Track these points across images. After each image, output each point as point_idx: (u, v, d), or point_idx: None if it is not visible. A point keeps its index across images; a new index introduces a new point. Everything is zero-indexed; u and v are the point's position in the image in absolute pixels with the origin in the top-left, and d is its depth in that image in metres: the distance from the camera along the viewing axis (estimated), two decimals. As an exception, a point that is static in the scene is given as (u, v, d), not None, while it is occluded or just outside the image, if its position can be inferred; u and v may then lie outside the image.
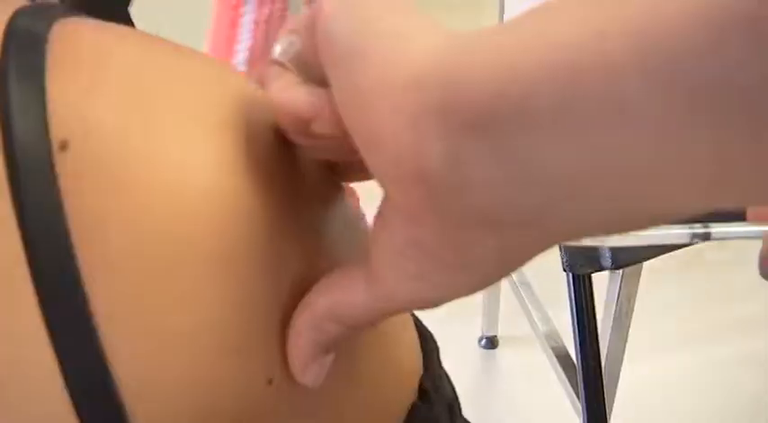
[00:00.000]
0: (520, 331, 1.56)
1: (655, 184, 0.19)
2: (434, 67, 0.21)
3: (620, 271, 0.97)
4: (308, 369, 0.26)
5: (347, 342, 0.27)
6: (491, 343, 1.65)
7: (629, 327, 1.08)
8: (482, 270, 0.23)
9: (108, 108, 0.24)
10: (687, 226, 0.33)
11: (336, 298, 0.26)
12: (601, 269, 0.90)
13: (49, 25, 0.26)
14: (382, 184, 0.23)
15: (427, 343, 0.35)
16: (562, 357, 1.26)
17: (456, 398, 0.37)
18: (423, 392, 0.33)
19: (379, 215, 0.24)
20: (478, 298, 1.60)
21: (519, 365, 1.61)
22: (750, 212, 0.35)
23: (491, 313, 1.61)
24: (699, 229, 0.33)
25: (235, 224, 0.25)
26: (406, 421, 0.31)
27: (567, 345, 1.28)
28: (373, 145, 0.22)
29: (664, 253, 0.91)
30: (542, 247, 0.22)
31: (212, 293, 0.24)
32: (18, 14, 0.26)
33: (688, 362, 1.61)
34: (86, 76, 0.25)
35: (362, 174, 0.26)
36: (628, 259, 0.90)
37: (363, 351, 0.30)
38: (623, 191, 0.19)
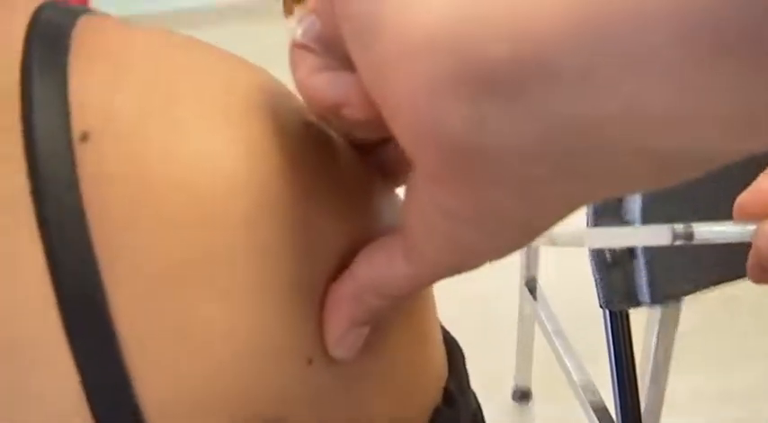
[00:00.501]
0: (555, 383, 1.51)
1: (683, 128, 0.18)
2: (445, 28, 0.20)
3: (659, 311, 0.94)
4: (343, 340, 0.26)
5: (378, 332, 0.27)
6: (524, 396, 1.60)
7: (667, 375, 1.03)
8: (510, 231, 0.23)
9: (129, 100, 0.25)
10: (668, 226, 0.31)
11: (378, 270, 0.26)
12: (638, 304, 0.86)
13: (74, 19, 0.26)
14: (408, 152, 0.22)
15: (453, 349, 0.34)
16: (600, 410, 1.21)
17: (480, 409, 0.36)
18: (448, 396, 0.32)
19: (409, 186, 0.24)
20: (511, 348, 1.55)
21: (554, 420, 1.55)
22: (738, 210, 0.33)
23: (524, 364, 1.56)
24: (681, 228, 0.31)
25: (263, 208, 0.25)
26: (431, 421, 0.30)
27: (604, 397, 1.22)
28: (395, 113, 0.22)
29: (704, 287, 0.87)
30: (568, 206, 0.22)
31: (245, 280, 0.24)
32: (43, 7, 0.26)
33: (730, 419, 1.54)
34: (109, 70, 0.25)
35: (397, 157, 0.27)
36: (666, 293, 0.86)
37: (395, 341, 0.30)
38: (650, 138, 0.19)
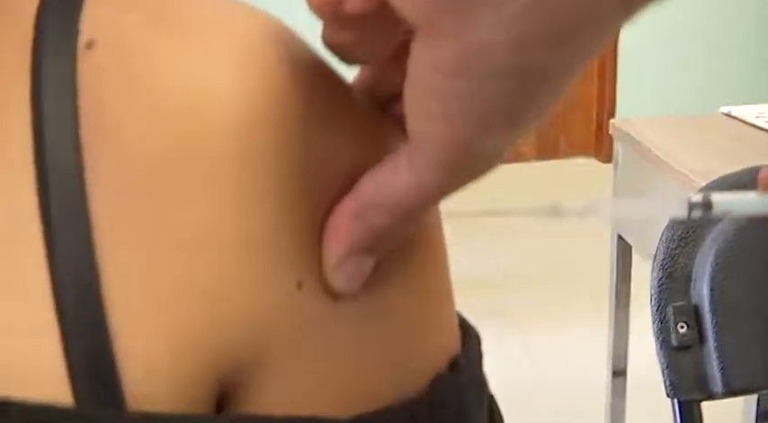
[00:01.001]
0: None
1: None
2: None
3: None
4: (342, 266, 0.26)
5: (382, 275, 0.27)
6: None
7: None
8: (497, 82, 0.23)
9: (137, 23, 0.26)
10: (685, 197, 0.28)
11: (381, 179, 0.25)
12: (711, 397, 0.79)
13: None
14: (403, 13, 0.23)
15: (468, 332, 0.33)
16: None
17: (494, 401, 0.34)
18: (454, 365, 0.30)
19: (407, 79, 0.24)
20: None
21: None
22: (763, 178, 0.29)
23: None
24: (698, 198, 0.27)
25: (256, 121, 0.25)
26: (431, 386, 0.28)
27: None
28: None
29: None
30: (550, 87, 0.23)
31: (232, 187, 0.25)
32: None
33: None
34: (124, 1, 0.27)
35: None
36: (741, 384, 0.78)
37: (398, 291, 0.29)
38: None
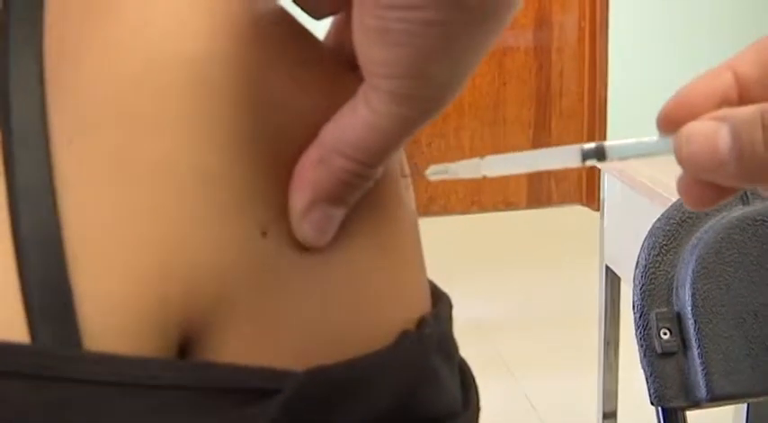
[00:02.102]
0: None
1: None
2: None
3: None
4: (309, 215, 0.26)
5: (346, 232, 0.27)
6: None
7: None
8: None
9: None
10: (577, 145, 0.27)
11: (341, 122, 0.26)
12: (696, 403, 0.78)
13: None
14: None
15: (440, 298, 0.33)
16: None
17: (464, 362, 0.34)
18: (419, 323, 0.30)
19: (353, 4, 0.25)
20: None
21: None
22: (663, 120, 0.29)
23: None
24: (591, 147, 0.27)
25: (213, 51, 0.25)
26: (394, 342, 0.28)
27: None
28: None
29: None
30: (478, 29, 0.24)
31: (186, 122, 0.25)
32: None
33: None
34: None
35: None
36: (727, 392, 0.77)
37: (362, 248, 0.28)
38: None
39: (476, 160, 0.28)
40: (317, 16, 0.29)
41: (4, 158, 0.24)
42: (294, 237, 0.26)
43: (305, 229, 0.26)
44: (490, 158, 0.28)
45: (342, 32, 0.30)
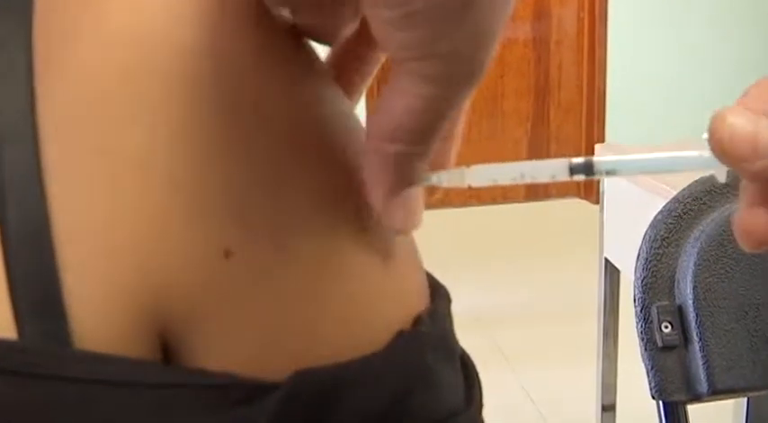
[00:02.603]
0: None
1: None
2: None
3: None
4: (390, 206, 0.27)
5: (342, 232, 0.27)
6: None
7: None
8: None
9: None
10: (565, 159, 0.27)
11: (383, 109, 0.26)
12: (697, 397, 0.78)
13: None
14: None
15: (438, 291, 0.33)
16: None
17: (467, 355, 0.33)
18: (415, 321, 0.30)
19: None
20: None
21: None
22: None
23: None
24: (579, 160, 0.27)
25: (201, 53, 0.25)
26: (389, 343, 0.28)
27: None
28: None
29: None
30: None
31: (165, 119, 0.24)
32: None
33: None
34: None
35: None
36: (728, 386, 0.77)
37: (359, 246, 0.28)
38: None
39: (461, 169, 0.28)
40: (329, 38, 0.29)
41: None
42: (276, 243, 0.26)
43: (394, 219, 0.27)
44: (476, 168, 0.28)
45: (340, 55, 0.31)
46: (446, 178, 0.28)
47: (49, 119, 0.24)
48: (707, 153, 0.27)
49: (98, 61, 0.25)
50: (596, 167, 0.27)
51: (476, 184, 0.28)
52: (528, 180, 0.28)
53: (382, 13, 0.24)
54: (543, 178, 0.28)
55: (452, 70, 0.25)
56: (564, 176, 0.27)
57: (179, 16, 0.25)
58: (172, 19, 0.25)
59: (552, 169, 0.27)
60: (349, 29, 0.30)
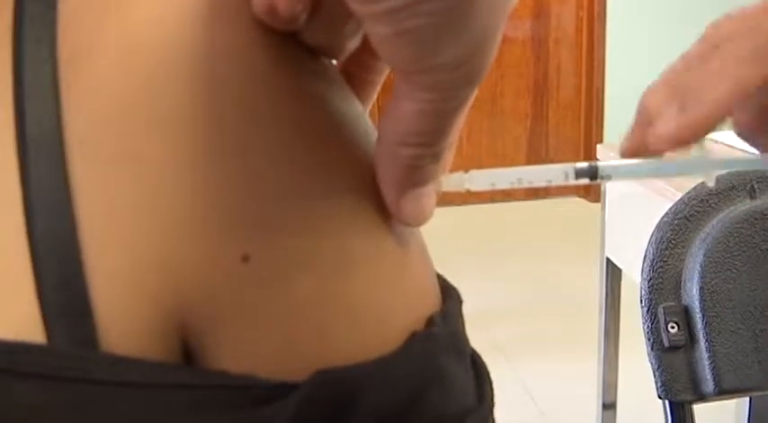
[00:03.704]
0: None
1: None
2: None
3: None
4: (403, 205, 0.28)
5: (353, 234, 0.27)
6: None
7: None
8: None
9: None
10: (570, 164, 0.28)
11: (391, 114, 0.27)
12: (703, 397, 0.78)
13: None
14: None
15: (449, 293, 0.33)
16: None
17: (477, 354, 0.34)
18: (428, 322, 0.30)
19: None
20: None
21: None
22: (629, 152, 0.30)
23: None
24: (584, 165, 0.27)
25: (221, 60, 0.26)
26: (402, 344, 0.28)
27: None
28: None
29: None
30: None
31: (182, 125, 0.25)
32: None
33: None
34: None
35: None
36: (734, 386, 0.78)
37: (371, 247, 0.28)
38: None
39: (459, 174, 0.29)
40: (334, 53, 0.30)
41: (20, 164, 0.24)
42: (292, 246, 0.26)
43: (407, 217, 0.28)
44: (473, 172, 0.29)
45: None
46: (445, 182, 0.29)
47: (74, 131, 0.24)
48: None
49: (121, 73, 0.25)
50: (601, 172, 0.28)
51: (475, 187, 0.29)
52: (525, 184, 0.29)
53: (381, 30, 0.24)
54: (540, 182, 0.29)
55: (454, 76, 0.26)
56: (560, 181, 0.28)
57: (199, 19, 0.26)
58: (193, 24, 0.26)
59: (550, 174, 0.28)
60: (353, 43, 0.30)
